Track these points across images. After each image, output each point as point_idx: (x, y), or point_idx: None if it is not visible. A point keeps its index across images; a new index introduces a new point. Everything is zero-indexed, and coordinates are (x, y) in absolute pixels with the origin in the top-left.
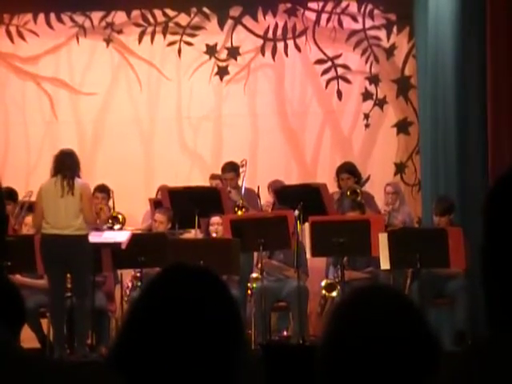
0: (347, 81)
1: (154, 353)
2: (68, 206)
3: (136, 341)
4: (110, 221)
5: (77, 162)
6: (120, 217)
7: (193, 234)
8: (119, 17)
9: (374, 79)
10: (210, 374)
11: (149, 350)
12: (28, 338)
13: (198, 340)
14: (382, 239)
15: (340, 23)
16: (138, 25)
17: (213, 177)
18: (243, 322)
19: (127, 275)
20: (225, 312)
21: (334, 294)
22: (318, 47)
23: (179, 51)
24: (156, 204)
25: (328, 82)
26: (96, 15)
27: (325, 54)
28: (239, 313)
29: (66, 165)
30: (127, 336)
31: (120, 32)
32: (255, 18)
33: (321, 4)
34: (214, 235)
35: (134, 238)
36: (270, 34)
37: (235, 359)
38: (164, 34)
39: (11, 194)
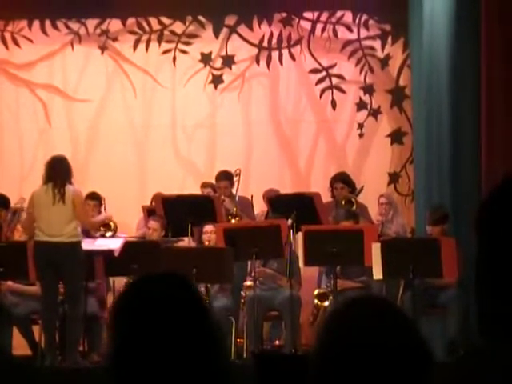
0: (341, 90)
1: (132, 360)
2: (60, 214)
3: (118, 350)
4: (102, 228)
5: (68, 168)
6: (112, 224)
7: (186, 242)
8: (114, 24)
9: (368, 89)
10: (189, 379)
11: (123, 357)
12: (19, 345)
13: (172, 347)
14: (375, 249)
15: (335, 33)
16: (133, 32)
17: (204, 185)
18: (217, 329)
19: (119, 282)
20: (196, 319)
21: (327, 303)
22: (313, 57)
23: (174, 59)
24: (149, 212)
25: (322, 91)
26: (91, 22)
27: (319, 63)
28: (211, 319)
29: (57, 172)
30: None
31: (115, 39)
32: (250, 27)
33: (316, 14)
34: (206, 244)
35: (127, 246)
36: (265, 43)
37: (213, 366)
38: (159, 41)
39: (3, 201)
